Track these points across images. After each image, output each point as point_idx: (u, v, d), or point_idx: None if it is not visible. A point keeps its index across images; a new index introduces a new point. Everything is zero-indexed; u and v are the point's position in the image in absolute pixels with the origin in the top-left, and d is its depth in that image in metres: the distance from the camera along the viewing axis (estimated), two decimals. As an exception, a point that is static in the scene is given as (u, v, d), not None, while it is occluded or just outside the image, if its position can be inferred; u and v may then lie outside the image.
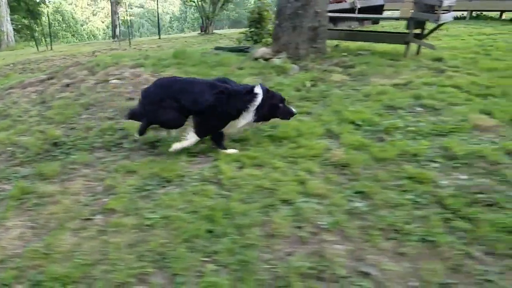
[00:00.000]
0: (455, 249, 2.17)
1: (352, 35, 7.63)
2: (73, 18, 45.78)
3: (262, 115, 3.46)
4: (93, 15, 57.38)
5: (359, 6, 12.42)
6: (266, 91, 3.44)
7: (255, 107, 3.38)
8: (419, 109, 4.18)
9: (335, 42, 7.80)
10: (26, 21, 29.10)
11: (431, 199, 2.59)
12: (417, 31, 7.13)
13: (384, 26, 12.31)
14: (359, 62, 6.25)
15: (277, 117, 3.58)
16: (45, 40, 20.96)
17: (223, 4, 22.08)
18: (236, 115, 3.40)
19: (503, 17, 12.68)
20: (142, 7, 64.85)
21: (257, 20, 9.54)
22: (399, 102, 4.32)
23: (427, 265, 2.09)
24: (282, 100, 3.56)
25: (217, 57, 6.78)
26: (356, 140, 3.49)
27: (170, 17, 60.28)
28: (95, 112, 4.92)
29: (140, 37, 27.94)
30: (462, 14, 13.83)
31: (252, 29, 9.62)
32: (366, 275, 2.08)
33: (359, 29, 8.94)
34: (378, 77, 5.53)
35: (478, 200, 2.53)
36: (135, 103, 4.89)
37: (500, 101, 4.24)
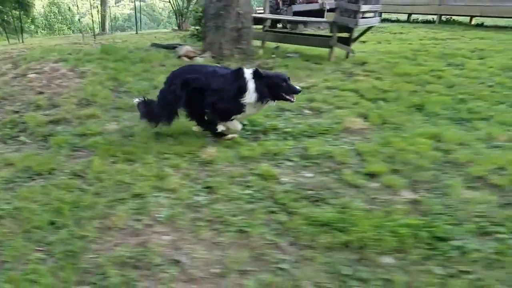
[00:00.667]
0: (264, 240, 2.39)
1: (284, 38, 7.87)
2: (69, 11, 44.66)
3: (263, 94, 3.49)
4: (93, 7, 56.42)
5: (328, 7, 12.91)
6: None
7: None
8: (306, 111, 4.43)
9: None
10: (17, 13, 28.23)
11: (267, 194, 2.81)
12: (345, 35, 7.44)
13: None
14: (280, 64, 6.48)
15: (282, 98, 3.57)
16: (36, 32, 20.34)
17: (197, 1, 21.93)
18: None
19: (472, 22, 12.97)
20: (144, 1, 63.72)
21: (200, 18, 9.66)
22: (291, 104, 4.55)
23: (234, 254, 2.30)
24: (286, 79, 3.57)
25: (143, 53, 6.89)
26: (233, 140, 3.69)
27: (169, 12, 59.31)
28: (4, 105, 4.96)
29: (124, 31, 27.22)
30: (433, 19, 14.14)
31: (198, 27, 9.74)
32: (177, 262, 2.27)
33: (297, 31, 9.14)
34: (293, 80, 5.76)
35: (307, 196, 2.77)
36: (43, 96, 5.00)
37: (387, 105, 4.55)
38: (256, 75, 3.46)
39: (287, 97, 3.52)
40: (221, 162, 3.30)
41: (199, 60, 6.37)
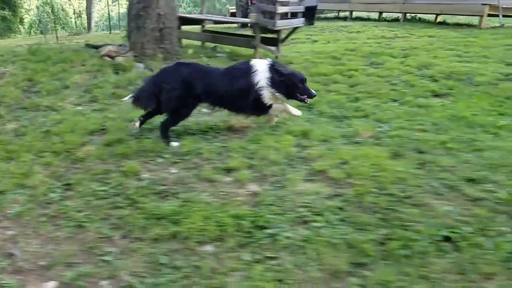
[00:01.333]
0: (99, 234, 2.51)
1: (214, 38, 8.01)
2: (63, 10, 43.54)
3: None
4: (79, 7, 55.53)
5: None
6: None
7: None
8: (204, 110, 4.57)
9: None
10: (6, 12, 27.28)
11: (121, 190, 2.92)
12: (273, 35, 7.63)
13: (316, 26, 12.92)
14: (205, 63, 6.62)
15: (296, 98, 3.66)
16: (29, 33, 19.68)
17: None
18: None
19: (438, 19, 12.99)
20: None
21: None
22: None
23: (66, 247, 2.41)
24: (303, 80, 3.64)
25: (70, 54, 6.89)
26: (115, 138, 3.79)
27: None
28: None
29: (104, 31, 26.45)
30: (398, 17, 14.26)
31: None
32: (10, 255, 2.37)
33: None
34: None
35: (160, 191, 2.90)
36: None
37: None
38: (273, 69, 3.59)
39: (301, 97, 3.63)
40: (93, 159, 3.40)
41: (119, 59, 6.43)
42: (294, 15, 7.31)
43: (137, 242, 2.44)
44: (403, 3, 13.55)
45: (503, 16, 11.14)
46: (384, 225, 2.41)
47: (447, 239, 2.27)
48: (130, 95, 3.88)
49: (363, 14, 16.10)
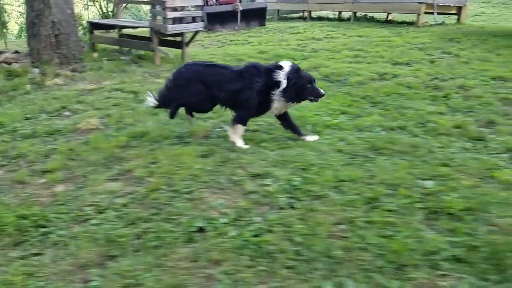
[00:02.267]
0: None
1: (118, 41, 8.08)
2: None
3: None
4: (85, 9, 53.11)
5: (241, 8, 13.51)
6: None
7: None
8: (67, 113, 4.67)
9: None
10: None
11: None
12: (178, 38, 7.77)
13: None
14: (98, 67, 6.71)
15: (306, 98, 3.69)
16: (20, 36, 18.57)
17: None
18: None
19: (390, 17, 13.22)
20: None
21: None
22: (55, 105, 4.78)
23: None
24: (311, 80, 3.68)
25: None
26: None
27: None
28: None
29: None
30: (349, 16, 14.30)
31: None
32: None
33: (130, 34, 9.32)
34: (92, 82, 5.99)
35: None
36: None
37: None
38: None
39: (310, 98, 3.69)
40: None
41: (14, 65, 6.48)
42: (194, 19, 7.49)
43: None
44: (353, 3, 13.82)
45: (438, 13, 11.55)
46: (152, 219, 2.60)
47: (200, 229, 2.49)
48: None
49: (325, 14, 16.15)
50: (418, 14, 11.35)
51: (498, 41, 8.17)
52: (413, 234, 2.33)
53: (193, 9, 7.85)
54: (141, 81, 6.02)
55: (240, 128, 3.64)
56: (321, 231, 2.38)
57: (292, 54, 8.28)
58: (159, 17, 7.42)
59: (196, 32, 7.69)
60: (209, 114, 4.24)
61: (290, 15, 18.23)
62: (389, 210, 2.57)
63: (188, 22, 7.47)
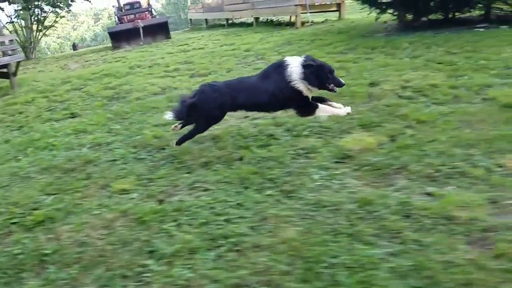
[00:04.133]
0: None
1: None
2: None
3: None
4: (74, 30, 53.67)
5: (142, 25, 14.44)
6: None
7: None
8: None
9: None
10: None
11: None
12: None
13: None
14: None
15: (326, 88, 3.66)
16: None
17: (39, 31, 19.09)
18: None
19: (292, 19, 13.19)
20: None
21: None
22: None
23: None
24: (331, 71, 3.67)
25: None
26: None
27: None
28: None
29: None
30: (252, 21, 14.75)
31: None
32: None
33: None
34: None
35: None
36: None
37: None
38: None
39: (330, 87, 3.68)
40: None
41: None
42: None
43: None
44: (252, 9, 14.49)
45: (320, 12, 12.41)
46: None
47: None
48: None
49: (245, 19, 16.26)
50: (296, 16, 11.78)
51: (328, 39, 8.49)
52: None
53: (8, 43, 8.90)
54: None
55: (320, 111, 3.77)
56: None
57: (113, 73, 8.44)
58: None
59: (18, 63, 8.89)
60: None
61: (218, 23, 19.30)
62: None
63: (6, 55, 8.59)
